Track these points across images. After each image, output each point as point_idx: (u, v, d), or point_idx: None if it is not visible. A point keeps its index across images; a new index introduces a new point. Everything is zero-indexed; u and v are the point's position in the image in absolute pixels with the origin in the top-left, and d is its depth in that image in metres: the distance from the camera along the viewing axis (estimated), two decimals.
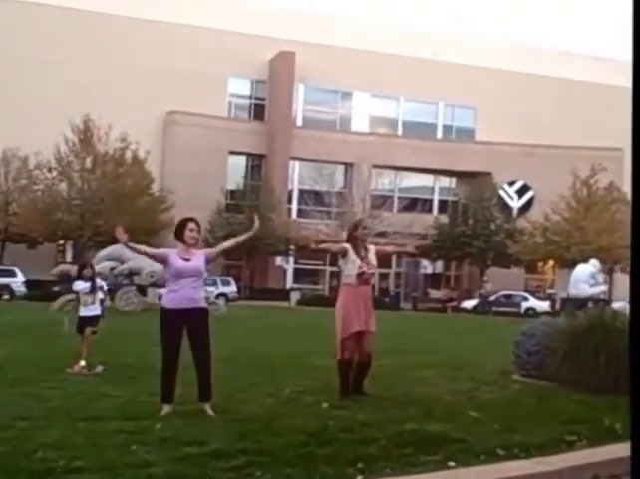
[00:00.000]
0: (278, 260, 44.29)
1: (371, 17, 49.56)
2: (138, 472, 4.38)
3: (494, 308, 36.52)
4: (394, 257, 45.43)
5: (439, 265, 49.07)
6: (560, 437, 5.67)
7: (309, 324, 19.42)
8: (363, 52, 45.74)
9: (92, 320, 9.31)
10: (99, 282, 9.59)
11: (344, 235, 34.46)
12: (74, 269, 25.49)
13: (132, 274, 23.89)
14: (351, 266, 7.27)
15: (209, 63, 43.88)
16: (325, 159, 41.61)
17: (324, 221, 41.97)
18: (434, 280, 49.00)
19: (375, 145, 44.52)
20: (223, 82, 46.25)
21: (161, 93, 42.48)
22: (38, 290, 31.44)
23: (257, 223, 6.99)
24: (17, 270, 32.97)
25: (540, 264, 45.32)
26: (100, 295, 9.53)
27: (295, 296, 38.58)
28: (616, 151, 45.36)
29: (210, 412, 6.20)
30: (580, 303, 16.43)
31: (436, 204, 50.24)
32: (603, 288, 19.42)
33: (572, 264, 26.97)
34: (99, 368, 8.84)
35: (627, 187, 29.08)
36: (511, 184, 46.55)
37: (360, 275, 7.22)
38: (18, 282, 32.46)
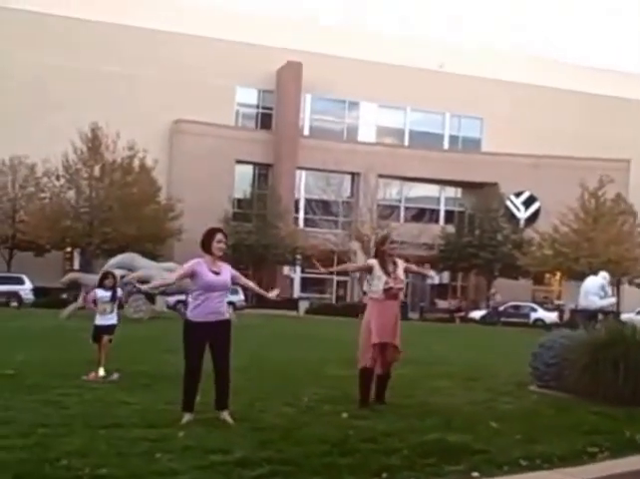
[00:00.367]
0: (285, 269, 44.30)
1: (378, 28, 49.78)
2: None
3: (503, 319, 36.43)
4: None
5: (445, 275, 49.03)
6: (582, 448, 5.67)
7: (319, 333, 19.41)
8: (370, 62, 45.82)
9: (108, 329, 9.32)
10: (119, 292, 9.62)
11: (352, 245, 34.50)
12: (83, 277, 25.74)
13: (142, 282, 23.85)
14: (377, 282, 7.32)
15: (217, 72, 44.04)
16: (332, 169, 41.67)
17: (332, 230, 42.01)
18: (440, 290, 48.93)
19: (381, 155, 44.50)
20: (231, 91, 46.38)
21: (169, 102, 42.63)
22: (45, 297, 31.54)
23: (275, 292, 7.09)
24: (25, 277, 33.02)
25: (547, 276, 45.21)
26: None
27: (303, 305, 38.62)
28: (622, 162, 45.41)
29: (230, 420, 6.21)
30: (590, 314, 16.45)
31: (442, 214, 50.21)
32: (613, 300, 19.43)
33: (580, 276, 26.95)
34: (115, 375, 8.84)
35: (633, 198, 29.19)
36: (518, 195, 46.48)
37: (387, 290, 7.26)
38: (26, 289, 32.48)
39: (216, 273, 6.31)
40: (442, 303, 44.89)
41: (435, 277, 45.57)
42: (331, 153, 41.87)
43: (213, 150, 42.42)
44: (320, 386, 8.58)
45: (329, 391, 8.15)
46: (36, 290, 32.64)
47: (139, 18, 42.45)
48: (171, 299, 29.26)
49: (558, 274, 42.20)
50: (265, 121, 48.56)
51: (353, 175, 46.52)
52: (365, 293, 8.92)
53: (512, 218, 45.95)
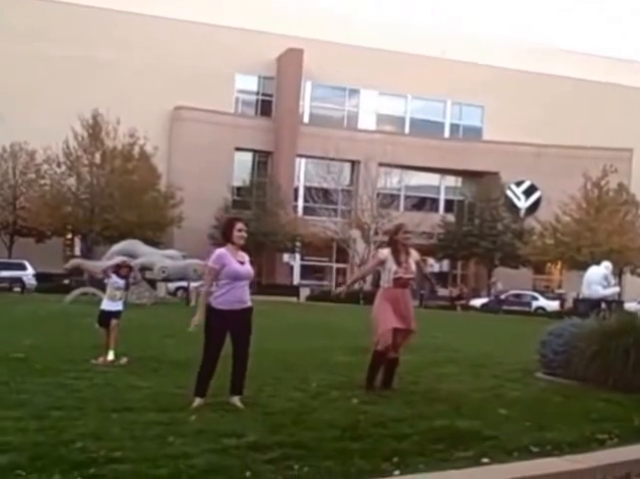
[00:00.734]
0: (285, 257, 44.34)
1: (379, 15, 49.49)
2: (178, 463, 4.40)
3: (505, 307, 36.52)
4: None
5: (445, 263, 49.04)
6: (591, 435, 5.68)
7: (322, 320, 19.39)
8: (370, 49, 45.56)
9: (115, 314, 9.38)
10: (131, 281, 9.82)
11: (352, 233, 34.58)
12: (85, 263, 25.90)
13: (144, 269, 24.28)
14: (387, 273, 7.38)
15: (217, 59, 43.80)
16: (332, 156, 41.58)
17: (331, 218, 42.00)
18: (440, 278, 48.95)
19: (382, 143, 44.32)
20: (231, 78, 46.19)
21: (169, 88, 42.42)
22: (47, 283, 31.62)
23: None
24: (27, 263, 33.06)
25: (548, 265, 45.21)
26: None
27: (304, 292, 38.73)
28: (625, 151, 45.26)
29: (240, 405, 6.25)
30: (593, 303, 16.54)
31: (442, 203, 50.15)
32: (616, 289, 19.50)
33: (582, 266, 27.00)
34: (123, 359, 8.90)
35: (634, 188, 29.15)
36: (518, 184, 46.29)
37: (397, 279, 7.31)
38: (29, 275, 32.55)
39: (242, 263, 6.39)
40: (441, 291, 44.88)
41: (434, 266, 45.63)
42: (331, 140, 41.74)
43: (213, 137, 42.32)
44: (328, 372, 8.62)
45: (337, 377, 8.20)
46: (38, 276, 32.73)
47: (139, 4, 42.25)
48: (173, 286, 29.37)
49: (559, 264, 42.23)
50: (265, 108, 48.39)
51: (353, 163, 46.44)
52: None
53: (513, 207, 45.87)
